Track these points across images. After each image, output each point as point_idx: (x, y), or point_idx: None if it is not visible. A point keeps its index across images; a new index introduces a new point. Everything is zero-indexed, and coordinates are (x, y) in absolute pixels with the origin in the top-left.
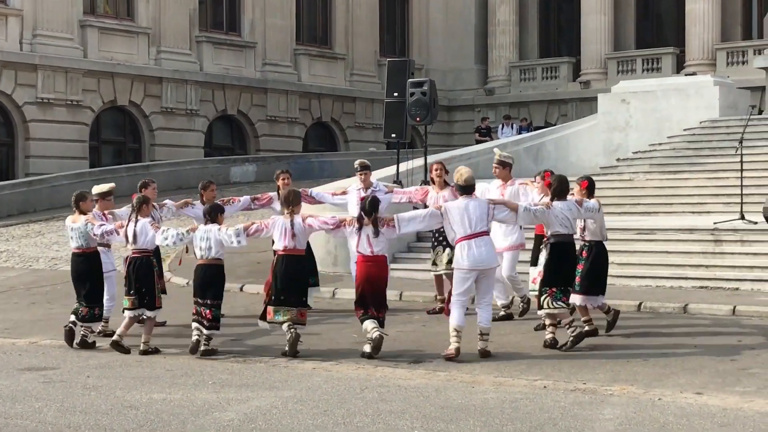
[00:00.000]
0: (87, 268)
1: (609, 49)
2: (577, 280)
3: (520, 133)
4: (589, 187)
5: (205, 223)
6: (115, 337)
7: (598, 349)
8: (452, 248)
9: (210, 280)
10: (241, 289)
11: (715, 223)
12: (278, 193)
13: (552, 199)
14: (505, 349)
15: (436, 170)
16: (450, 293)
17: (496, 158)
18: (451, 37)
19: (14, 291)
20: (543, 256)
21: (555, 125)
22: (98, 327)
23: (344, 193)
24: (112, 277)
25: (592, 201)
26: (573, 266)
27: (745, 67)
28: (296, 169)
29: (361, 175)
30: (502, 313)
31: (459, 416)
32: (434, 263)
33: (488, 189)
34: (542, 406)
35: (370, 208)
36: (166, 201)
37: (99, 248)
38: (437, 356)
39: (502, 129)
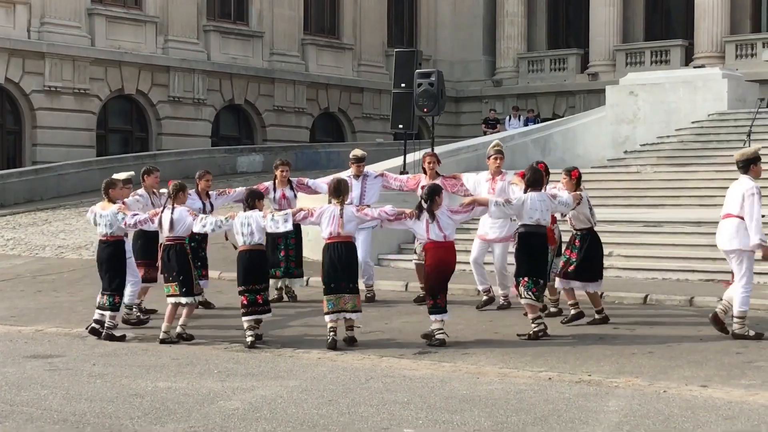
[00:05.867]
0: (111, 256)
1: (617, 41)
2: (571, 268)
3: (527, 125)
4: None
5: (245, 209)
6: (161, 335)
7: (603, 341)
8: None
9: (254, 265)
10: None
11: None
12: (274, 184)
13: (526, 190)
14: (510, 340)
15: (429, 162)
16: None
17: (497, 148)
18: (458, 28)
19: (20, 279)
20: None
21: (563, 117)
22: (118, 317)
23: None
24: (132, 264)
25: (566, 195)
26: (543, 257)
27: (753, 60)
28: (303, 159)
29: (356, 166)
30: (484, 298)
31: (464, 407)
32: (416, 251)
33: (479, 181)
34: (547, 398)
35: (428, 196)
36: (164, 189)
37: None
38: (442, 347)
39: (510, 120)
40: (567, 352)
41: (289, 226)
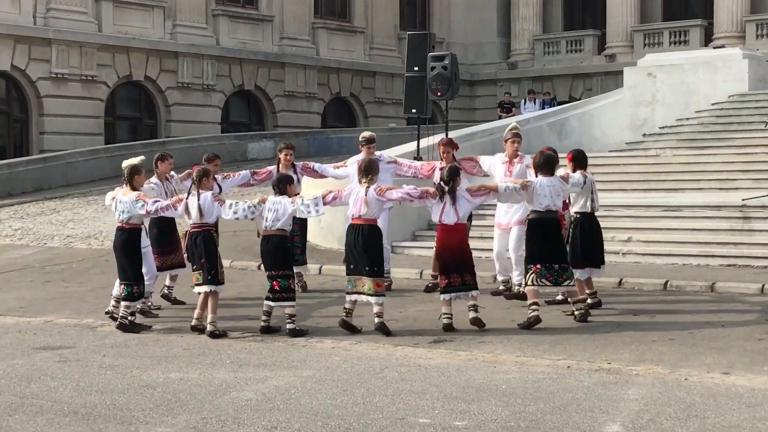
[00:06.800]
0: (125, 244)
1: (635, 21)
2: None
3: (543, 108)
4: (576, 160)
5: (275, 194)
6: (193, 322)
7: (622, 328)
8: None
9: (275, 250)
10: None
11: (743, 200)
12: (278, 168)
13: (536, 175)
14: (528, 329)
15: (444, 152)
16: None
17: (514, 131)
18: (472, 9)
19: (29, 269)
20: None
21: (579, 100)
22: (137, 306)
23: (344, 165)
24: (148, 253)
25: (577, 175)
26: (556, 242)
27: None
28: (314, 145)
29: (366, 148)
30: (501, 287)
31: (480, 396)
32: None
33: (494, 164)
34: (566, 386)
35: (449, 177)
36: (172, 172)
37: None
38: (458, 335)
39: (525, 104)
40: (586, 340)
41: (321, 210)
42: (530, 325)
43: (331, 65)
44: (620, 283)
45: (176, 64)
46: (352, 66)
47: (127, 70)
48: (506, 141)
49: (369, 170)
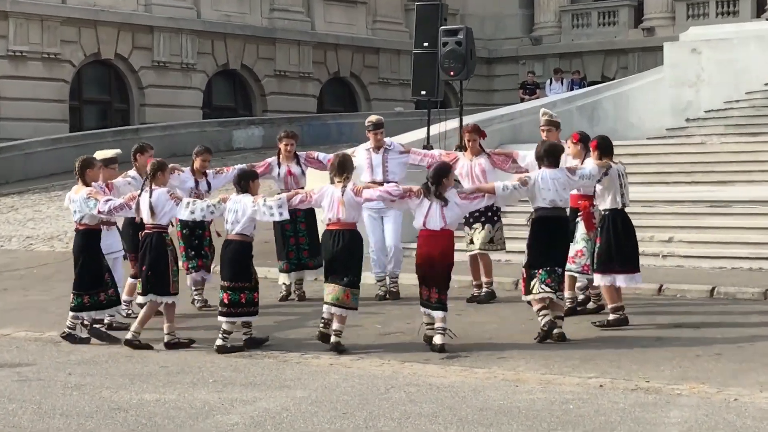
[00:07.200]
0: (81, 248)
1: None
2: (596, 256)
3: (572, 89)
4: (600, 148)
5: (237, 193)
6: (130, 335)
7: (663, 342)
8: (492, 224)
9: (233, 258)
10: None
11: None
12: (278, 159)
13: (538, 166)
14: (554, 342)
15: (469, 140)
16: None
17: (545, 119)
18: None
19: None
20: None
21: (613, 80)
22: (105, 316)
23: (353, 155)
24: (119, 259)
25: (590, 165)
26: (562, 244)
27: None
28: (310, 132)
29: (373, 134)
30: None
31: (500, 420)
32: (471, 242)
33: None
34: (597, 408)
35: (434, 178)
36: None
37: (102, 227)
38: (474, 350)
39: (551, 84)
40: (621, 355)
41: (285, 214)
42: (547, 334)
43: (328, 41)
44: (660, 289)
45: (151, 40)
46: (352, 42)
47: (95, 47)
48: (540, 129)
49: (344, 168)
